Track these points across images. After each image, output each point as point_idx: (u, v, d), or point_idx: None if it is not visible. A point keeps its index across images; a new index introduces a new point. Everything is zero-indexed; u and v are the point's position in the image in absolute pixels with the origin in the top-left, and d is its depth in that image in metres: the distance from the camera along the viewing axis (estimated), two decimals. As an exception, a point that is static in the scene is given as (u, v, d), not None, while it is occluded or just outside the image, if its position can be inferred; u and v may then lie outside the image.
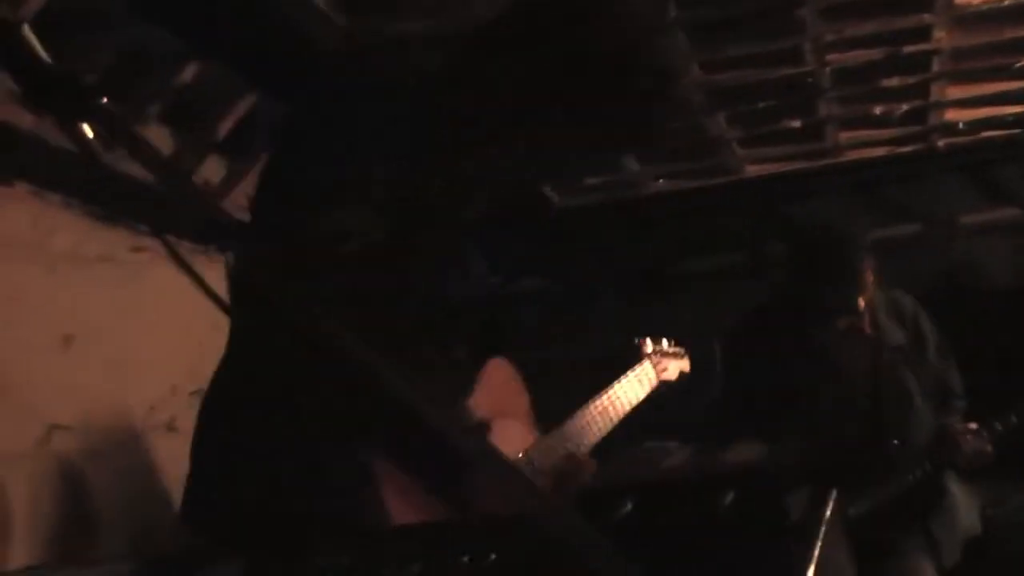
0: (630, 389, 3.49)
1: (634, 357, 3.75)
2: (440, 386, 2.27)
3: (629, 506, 1.45)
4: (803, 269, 4.63)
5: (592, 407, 3.11)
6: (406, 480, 2.11)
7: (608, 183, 6.69)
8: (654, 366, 3.78)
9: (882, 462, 4.35)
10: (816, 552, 1.46)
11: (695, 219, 7.11)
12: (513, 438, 2.55)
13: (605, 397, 3.25)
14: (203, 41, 4.08)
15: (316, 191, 2.23)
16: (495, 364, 2.62)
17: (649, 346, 3.87)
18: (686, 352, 4.17)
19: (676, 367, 4.01)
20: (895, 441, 4.36)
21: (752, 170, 6.65)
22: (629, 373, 3.58)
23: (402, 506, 2.09)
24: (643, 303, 7.05)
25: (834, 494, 1.66)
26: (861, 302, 4.49)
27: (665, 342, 4.03)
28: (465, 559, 1.42)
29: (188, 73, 4.23)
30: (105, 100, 1.21)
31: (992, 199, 6.55)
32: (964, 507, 4.53)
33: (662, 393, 3.89)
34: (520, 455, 2.56)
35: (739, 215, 7.08)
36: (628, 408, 3.36)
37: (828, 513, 1.61)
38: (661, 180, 6.74)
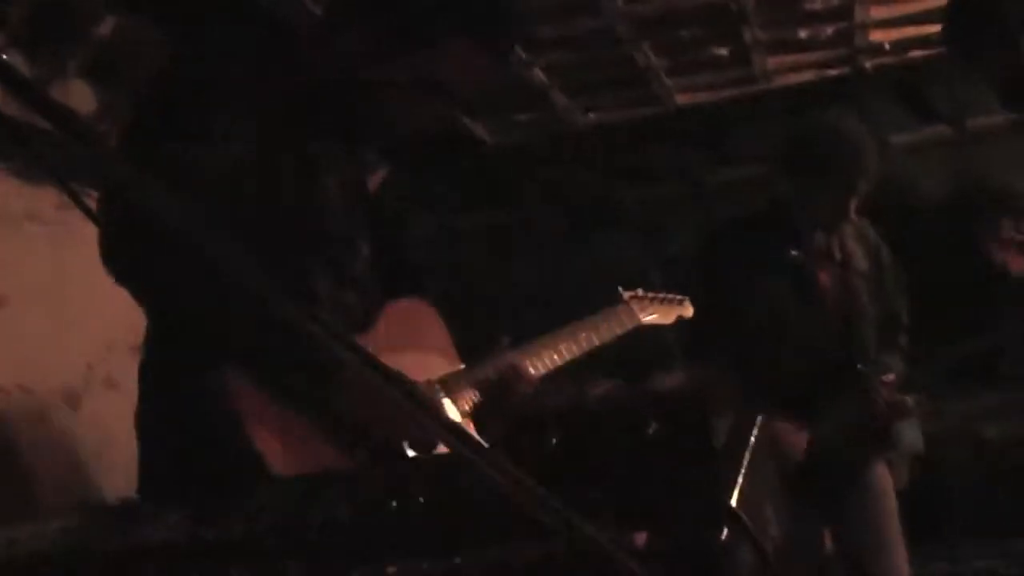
0: (595, 329, 3.39)
1: (609, 300, 3.66)
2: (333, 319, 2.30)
3: (553, 439, 1.46)
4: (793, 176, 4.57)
5: (538, 342, 3.06)
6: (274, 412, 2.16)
7: (537, 119, 6.69)
8: (635, 311, 3.69)
9: (853, 383, 4.39)
10: (741, 477, 1.48)
11: (630, 150, 7.15)
12: (424, 370, 2.57)
13: (558, 333, 3.18)
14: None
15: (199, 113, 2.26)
16: (404, 303, 2.64)
17: (633, 291, 3.78)
18: (685, 299, 4.08)
19: (670, 313, 3.92)
20: (859, 365, 4.40)
21: (682, 99, 6.67)
22: (598, 314, 3.50)
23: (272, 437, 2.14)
24: (584, 235, 7.11)
25: (760, 419, 1.68)
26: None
27: (662, 290, 3.96)
28: (392, 503, 1.43)
29: (107, 27, 4.19)
30: (4, 57, 1.20)
31: (921, 118, 6.61)
32: (907, 427, 4.61)
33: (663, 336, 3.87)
34: (433, 383, 2.59)
35: (673, 144, 7.13)
36: (587, 346, 3.28)
37: (753, 437, 1.62)
38: (591, 114, 6.75)
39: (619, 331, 3.49)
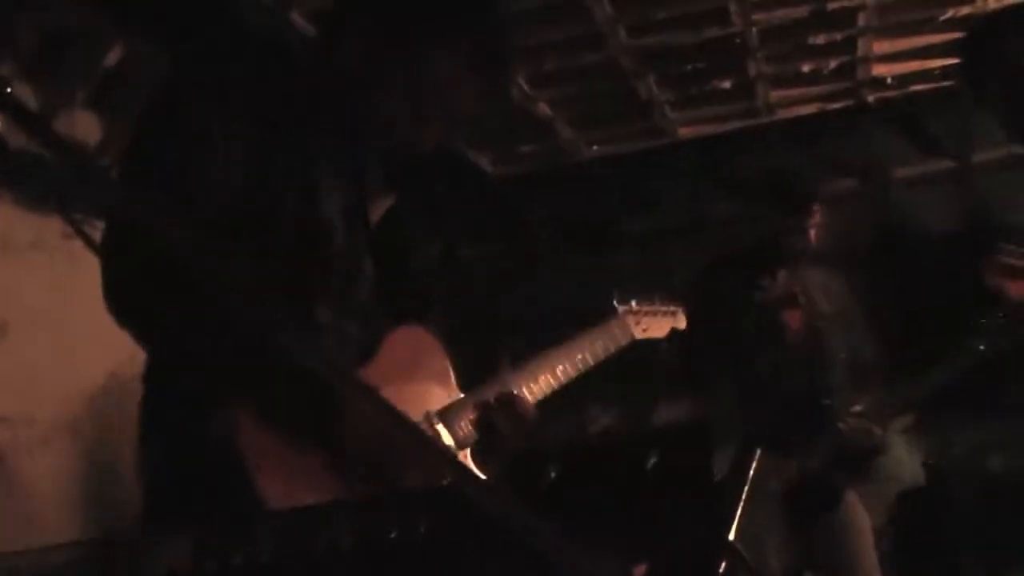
0: (590, 346, 3.35)
1: (603, 314, 3.62)
2: (335, 350, 2.30)
3: (554, 472, 1.46)
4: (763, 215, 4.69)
5: (534, 364, 3.03)
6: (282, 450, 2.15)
7: (541, 151, 6.71)
8: (631, 325, 3.65)
9: (818, 419, 4.43)
10: (739, 511, 1.48)
11: (634, 181, 7.17)
12: (423, 400, 2.57)
13: (554, 354, 3.16)
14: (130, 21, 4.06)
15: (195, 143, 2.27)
16: (405, 331, 2.64)
17: (626, 304, 3.74)
18: (678, 309, 4.05)
19: (663, 325, 3.87)
20: (826, 401, 4.45)
21: (685, 132, 6.69)
22: (593, 330, 3.46)
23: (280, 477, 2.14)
24: (587, 264, 7.12)
25: (758, 454, 1.68)
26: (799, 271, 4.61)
27: (656, 300, 3.92)
28: (393, 534, 1.43)
29: (114, 56, 4.21)
30: (9, 90, 1.21)
31: (923, 151, 6.62)
32: (901, 459, 4.62)
33: (659, 351, 3.86)
34: (432, 414, 2.59)
35: (676, 176, 7.15)
36: (583, 366, 3.25)
37: (752, 473, 1.62)
38: (595, 147, 6.77)
39: (613, 347, 3.44)
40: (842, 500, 4.46)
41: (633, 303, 3.72)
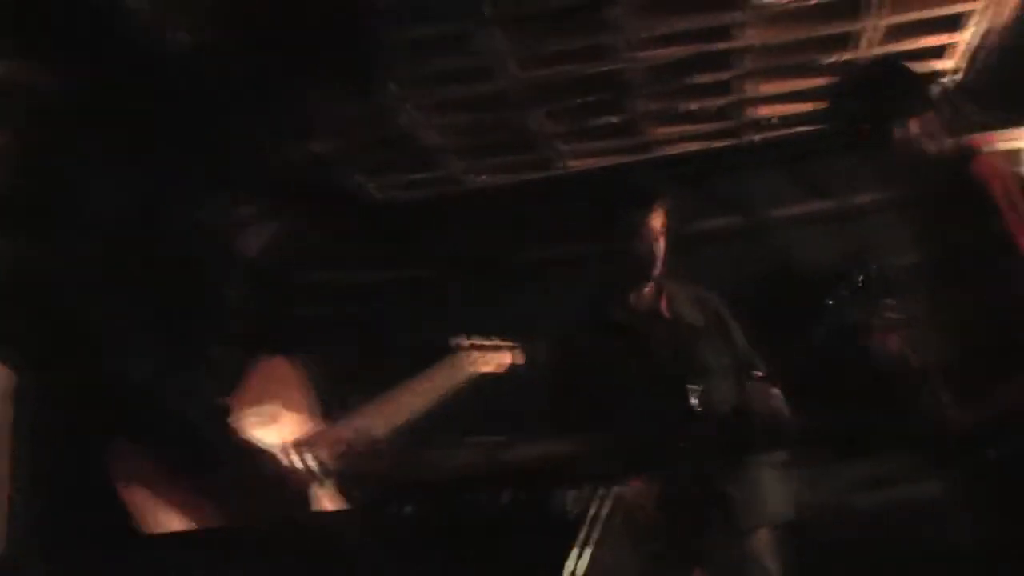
0: (436, 381, 3.51)
1: (446, 351, 3.78)
2: (201, 381, 2.30)
3: (409, 507, 1.47)
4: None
5: (386, 398, 3.14)
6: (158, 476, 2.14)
7: (430, 179, 6.72)
8: (469, 360, 3.82)
9: (688, 435, 4.45)
10: (589, 551, 1.50)
11: (524, 212, 7.21)
12: (287, 429, 2.59)
13: (404, 388, 3.28)
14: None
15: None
16: (269, 362, 2.65)
17: (465, 340, 3.91)
18: (513, 346, 4.21)
19: (498, 360, 4.06)
20: (696, 407, 4.45)
21: (574, 164, 6.74)
22: (437, 366, 3.61)
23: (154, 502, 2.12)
24: (472, 294, 7.14)
25: (613, 492, 1.71)
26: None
27: (490, 337, 4.08)
28: (240, 570, 1.43)
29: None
30: None
31: (805, 192, 6.72)
32: (772, 491, 4.66)
33: (494, 385, 3.94)
34: (288, 444, 2.60)
35: (564, 208, 7.20)
36: (429, 400, 3.38)
37: (606, 511, 1.65)
38: (484, 177, 6.79)
39: (456, 381, 3.60)
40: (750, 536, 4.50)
41: (473, 338, 3.87)
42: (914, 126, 3.85)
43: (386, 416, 3.01)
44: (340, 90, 2.54)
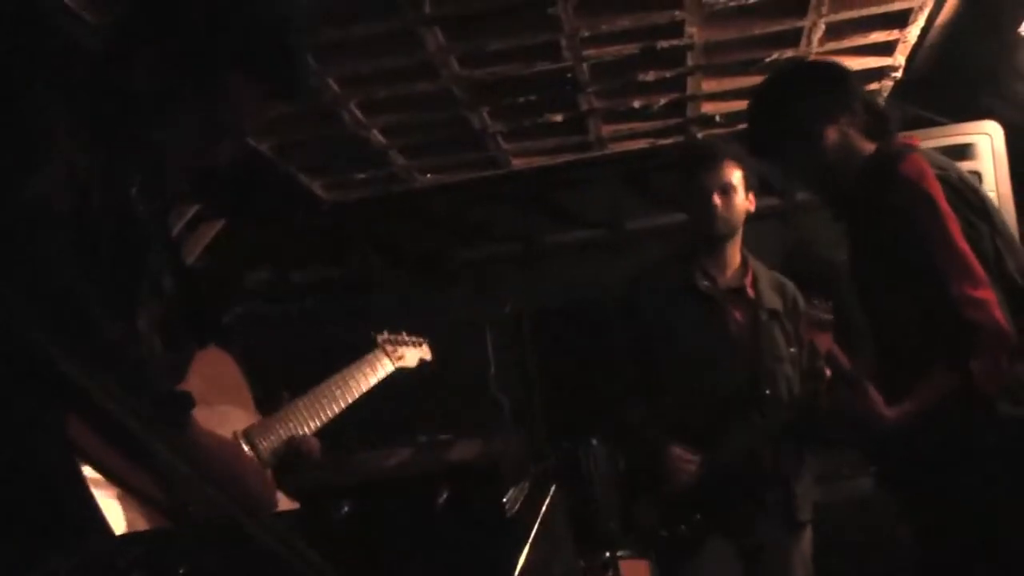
0: (360, 375, 3.59)
1: (366, 345, 3.87)
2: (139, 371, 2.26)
3: (346, 507, 1.46)
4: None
5: (316, 392, 3.19)
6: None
7: (375, 178, 6.70)
8: (389, 354, 3.90)
9: (754, 410, 4.48)
10: (527, 547, 1.49)
11: (467, 210, 7.24)
12: (228, 423, 2.59)
13: (331, 382, 3.35)
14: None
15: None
16: (209, 353, 2.64)
17: (384, 335, 4.00)
18: (424, 341, 4.31)
19: (414, 355, 4.15)
20: (766, 391, 4.49)
21: (518, 163, 6.74)
22: (359, 360, 3.70)
23: None
24: (419, 292, 7.17)
25: (553, 489, 1.70)
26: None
27: (404, 333, 4.18)
28: (181, 570, 1.42)
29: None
30: None
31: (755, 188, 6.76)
32: (812, 488, 4.74)
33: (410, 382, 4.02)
34: (232, 432, 2.61)
35: (508, 206, 7.24)
36: (357, 393, 3.45)
37: (545, 507, 1.64)
38: (429, 175, 6.79)
39: (378, 376, 3.70)
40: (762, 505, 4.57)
41: (385, 334, 3.96)
42: (835, 131, 3.83)
43: (314, 412, 3.05)
44: (265, 87, 2.50)
